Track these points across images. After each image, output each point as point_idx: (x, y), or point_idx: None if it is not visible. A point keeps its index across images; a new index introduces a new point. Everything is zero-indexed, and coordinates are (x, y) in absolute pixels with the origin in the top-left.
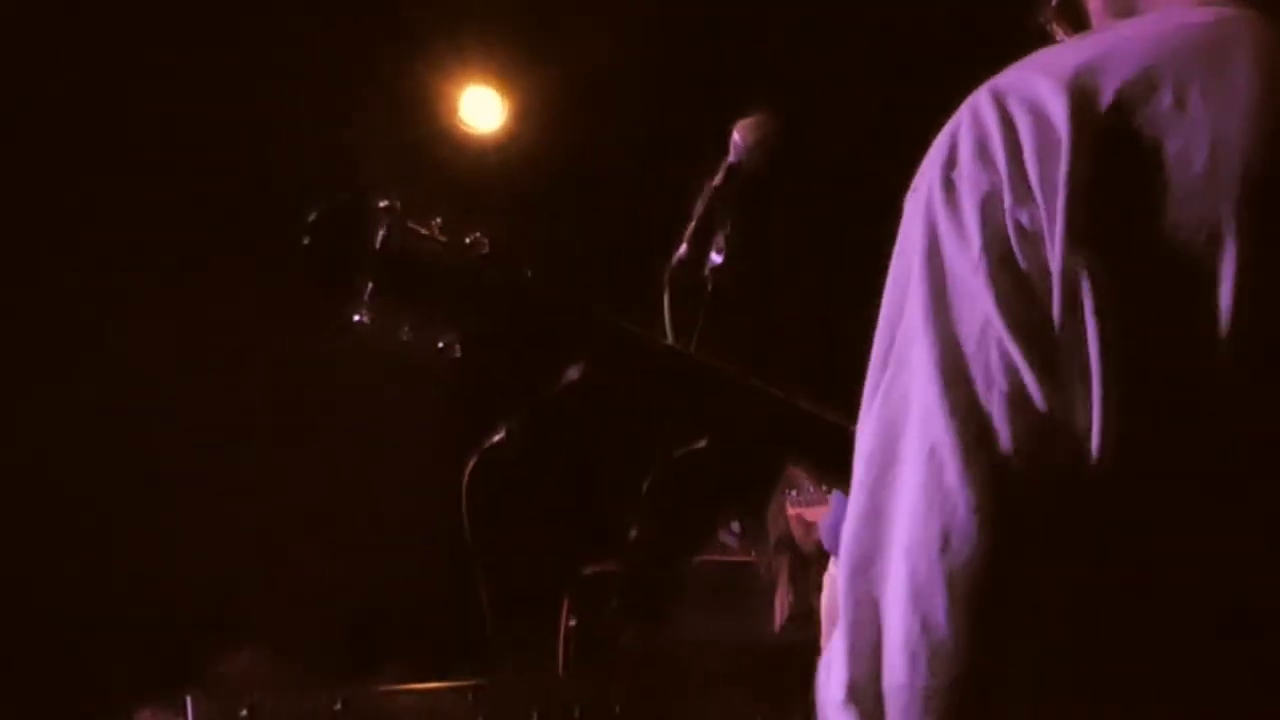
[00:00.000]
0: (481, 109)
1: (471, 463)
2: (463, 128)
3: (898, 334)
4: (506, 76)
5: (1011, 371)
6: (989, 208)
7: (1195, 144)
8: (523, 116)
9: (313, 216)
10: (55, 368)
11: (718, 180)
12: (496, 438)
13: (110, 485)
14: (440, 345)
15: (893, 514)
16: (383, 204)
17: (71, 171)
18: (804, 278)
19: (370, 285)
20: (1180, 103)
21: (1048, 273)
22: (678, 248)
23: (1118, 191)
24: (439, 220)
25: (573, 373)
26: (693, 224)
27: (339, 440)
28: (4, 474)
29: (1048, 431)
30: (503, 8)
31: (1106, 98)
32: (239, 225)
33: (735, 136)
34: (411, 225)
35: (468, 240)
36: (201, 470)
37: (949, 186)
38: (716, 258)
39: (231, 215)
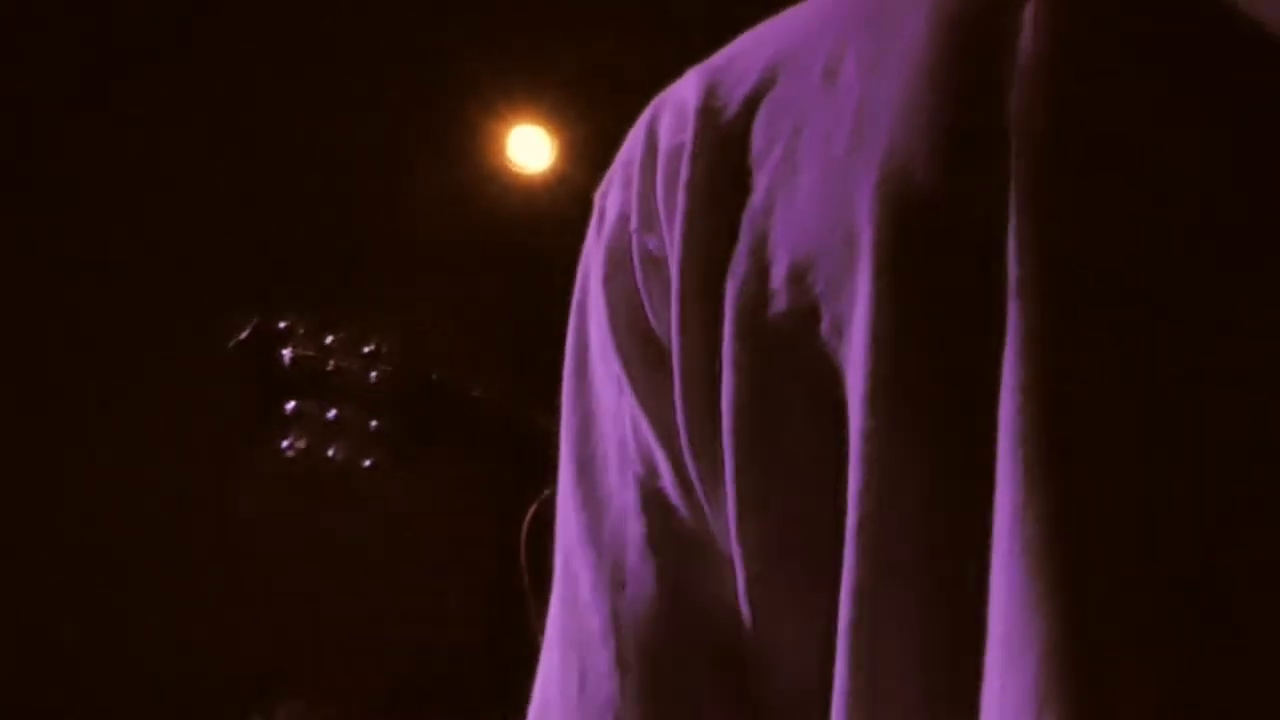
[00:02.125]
0: (530, 149)
1: (530, 510)
2: (512, 167)
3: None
4: (555, 116)
5: (646, 457)
6: (619, 238)
7: (840, 122)
8: (572, 156)
9: (230, 344)
10: (105, 432)
11: None
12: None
13: (159, 542)
14: (367, 463)
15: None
16: (282, 325)
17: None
18: None
19: (291, 405)
20: (831, 74)
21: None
22: None
23: (737, 210)
24: (340, 335)
25: None
26: None
27: (384, 492)
28: (61, 524)
29: (692, 548)
30: (553, 48)
31: (745, 84)
32: (295, 271)
33: None
34: (314, 342)
35: (365, 350)
36: (246, 527)
37: (600, 216)
38: None
39: (284, 260)
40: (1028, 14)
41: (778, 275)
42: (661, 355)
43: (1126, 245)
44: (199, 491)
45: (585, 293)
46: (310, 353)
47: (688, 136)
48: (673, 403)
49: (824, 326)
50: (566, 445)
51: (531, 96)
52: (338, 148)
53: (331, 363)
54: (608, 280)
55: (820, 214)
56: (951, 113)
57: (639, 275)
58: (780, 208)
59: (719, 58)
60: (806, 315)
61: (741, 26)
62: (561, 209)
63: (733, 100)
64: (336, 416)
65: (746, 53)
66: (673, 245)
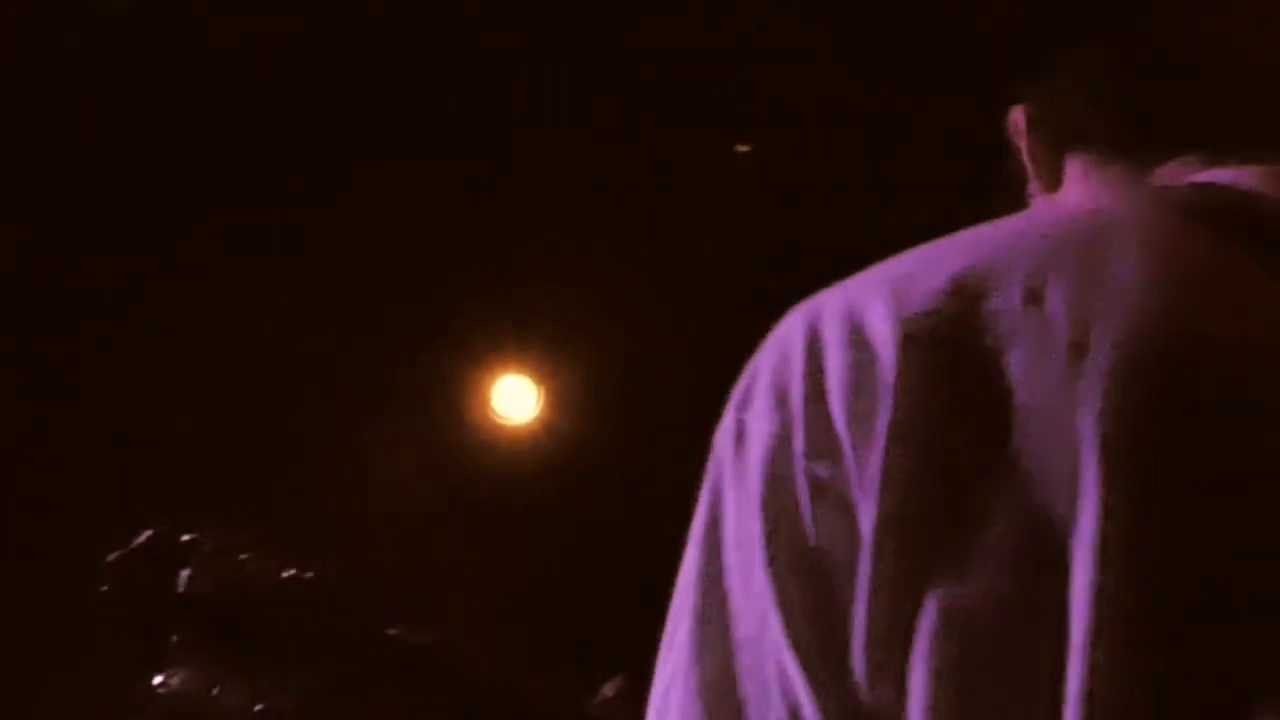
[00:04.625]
0: (515, 399)
1: None
2: (495, 418)
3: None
4: (542, 366)
5: (792, 703)
6: (776, 460)
7: (1052, 350)
8: (558, 407)
9: (110, 558)
10: None
11: None
12: None
13: None
14: (258, 708)
15: None
16: (186, 538)
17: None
18: None
19: (176, 638)
20: (1034, 298)
21: (856, 543)
22: None
23: (950, 430)
24: (252, 553)
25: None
26: None
27: None
28: None
29: None
30: (540, 297)
31: (933, 301)
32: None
33: None
34: (222, 563)
35: (284, 575)
36: None
37: (739, 434)
38: None
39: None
40: (1248, 282)
41: (997, 504)
42: (825, 576)
43: None
44: None
45: (719, 510)
46: (215, 574)
47: (881, 361)
48: (838, 619)
49: (1033, 558)
50: (691, 679)
51: (518, 345)
52: (322, 407)
53: (239, 586)
54: (764, 503)
55: (1038, 440)
56: (1182, 366)
57: (804, 500)
58: (989, 431)
59: (891, 270)
60: (1025, 545)
61: (730, 270)
62: (547, 462)
63: (924, 319)
64: (233, 651)
65: (927, 267)
66: (865, 476)
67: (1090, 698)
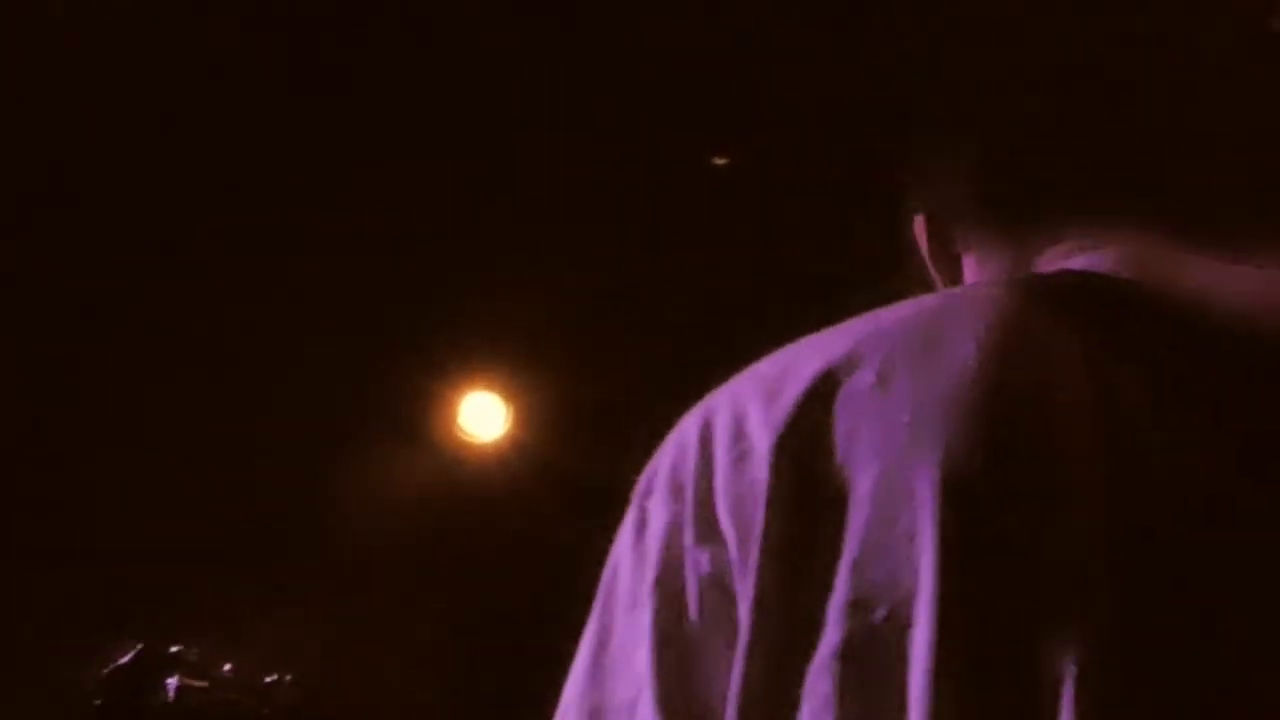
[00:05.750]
0: (483, 416)
1: None
2: (463, 436)
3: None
4: (511, 383)
5: None
6: (671, 547)
7: (895, 424)
8: (526, 425)
9: (103, 672)
10: None
11: None
12: None
13: None
14: None
15: None
16: (173, 650)
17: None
18: None
19: None
20: (884, 382)
21: (734, 623)
22: None
23: (808, 519)
24: (232, 664)
25: None
26: None
27: None
28: None
29: None
30: (509, 313)
31: (798, 394)
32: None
33: None
34: (205, 672)
35: (266, 681)
36: None
37: (640, 520)
38: None
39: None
40: (1075, 355)
41: (843, 570)
42: (702, 652)
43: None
44: None
45: (614, 586)
46: (200, 683)
47: (756, 459)
48: (710, 693)
49: (878, 615)
50: None
51: (486, 362)
52: (290, 419)
53: (222, 695)
54: (656, 585)
55: (880, 508)
56: (1007, 429)
57: (691, 584)
58: (847, 505)
59: (769, 367)
60: (864, 604)
61: (697, 294)
62: (516, 479)
63: (790, 411)
64: None
65: (797, 363)
66: (747, 559)
67: None
